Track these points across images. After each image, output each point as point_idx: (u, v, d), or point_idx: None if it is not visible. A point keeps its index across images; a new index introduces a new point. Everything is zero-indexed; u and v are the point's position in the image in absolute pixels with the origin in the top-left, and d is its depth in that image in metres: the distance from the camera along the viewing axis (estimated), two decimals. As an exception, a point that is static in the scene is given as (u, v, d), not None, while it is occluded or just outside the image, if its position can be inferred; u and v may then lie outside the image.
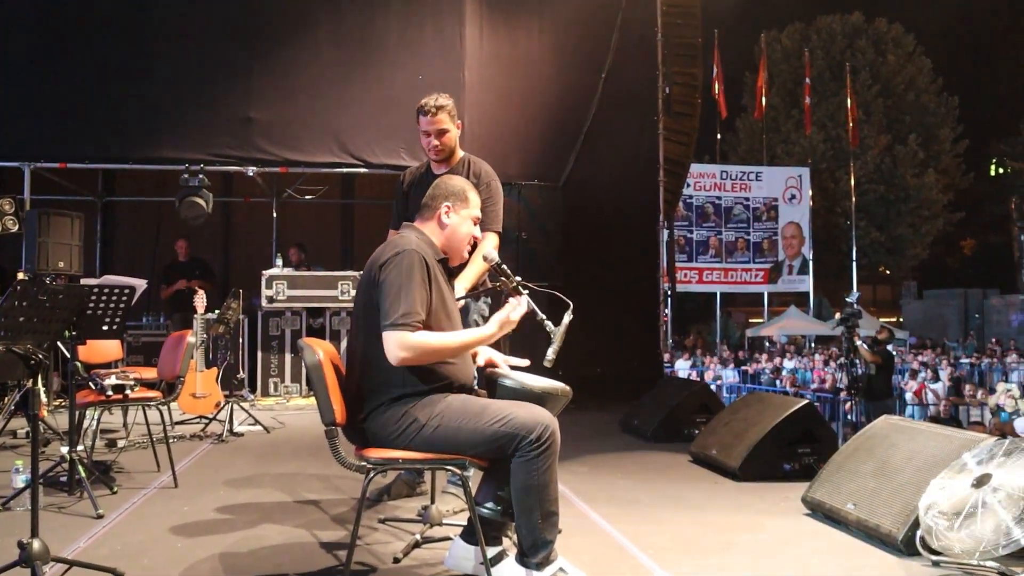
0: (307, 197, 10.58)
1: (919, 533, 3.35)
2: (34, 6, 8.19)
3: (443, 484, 4.32)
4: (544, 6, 9.12)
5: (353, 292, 8.64)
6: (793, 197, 24.72)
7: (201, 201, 8.15)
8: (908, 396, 16.01)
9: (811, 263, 24.94)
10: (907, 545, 3.45)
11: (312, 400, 2.88)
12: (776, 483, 4.83)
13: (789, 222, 24.69)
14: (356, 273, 9.07)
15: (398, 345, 2.76)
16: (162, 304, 10.48)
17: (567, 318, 3.03)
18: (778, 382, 18.54)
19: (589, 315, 6.37)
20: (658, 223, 9.84)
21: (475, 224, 3.19)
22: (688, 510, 4.35)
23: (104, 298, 4.13)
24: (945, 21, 34.00)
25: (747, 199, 24.55)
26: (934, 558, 3.33)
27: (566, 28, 9.10)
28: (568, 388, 3.04)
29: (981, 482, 3.19)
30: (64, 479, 4.40)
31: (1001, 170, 37.06)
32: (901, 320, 33.35)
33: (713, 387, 15.56)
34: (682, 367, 20.60)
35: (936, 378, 16.53)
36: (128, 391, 4.59)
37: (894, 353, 15.54)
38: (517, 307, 2.98)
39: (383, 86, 8.39)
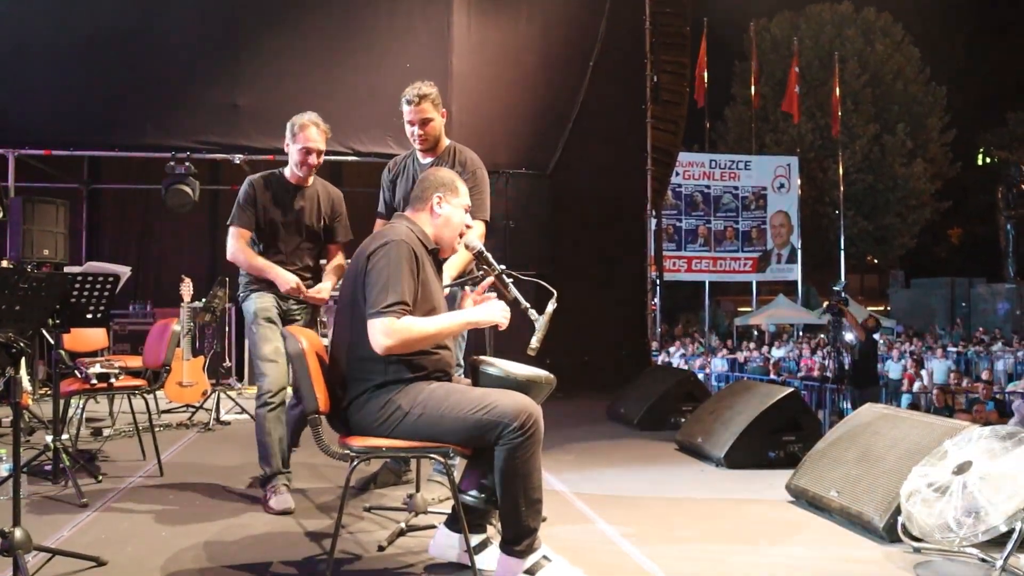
0: (294, 185, 10.52)
1: (900, 520, 3.37)
2: (17, -7, 8.11)
3: (429, 472, 4.33)
4: (532, -6, 9.09)
5: (340, 281, 8.62)
6: (782, 186, 24.77)
7: (187, 189, 8.10)
8: (897, 377, 16.21)
9: (799, 252, 25.01)
10: (889, 531, 3.48)
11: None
12: (761, 471, 4.87)
13: (778, 211, 24.73)
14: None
15: (383, 332, 2.76)
16: (148, 291, 10.44)
17: (551, 307, 3.03)
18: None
19: (576, 303, 6.37)
20: (646, 211, 9.84)
21: (466, 213, 3.19)
22: (672, 498, 4.37)
23: (88, 286, 4.11)
24: (933, 10, 34.01)
25: (736, 188, 24.57)
26: (915, 544, 3.37)
27: (554, 16, 9.07)
28: (552, 376, 3.05)
29: (962, 469, 3.21)
30: (48, 468, 4.38)
31: (988, 159, 37.26)
32: (889, 309, 33.51)
33: (701, 375, 15.63)
34: (674, 356, 20.69)
35: (920, 366, 16.65)
36: (113, 379, 4.57)
37: (880, 341, 15.66)
38: (502, 315, 2.98)
39: (370, 73, 8.33)
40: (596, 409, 7.36)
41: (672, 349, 21.22)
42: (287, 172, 4.42)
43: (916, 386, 15.61)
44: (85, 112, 8.09)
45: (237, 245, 4.20)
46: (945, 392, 13.53)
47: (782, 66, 31.23)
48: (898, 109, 31.74)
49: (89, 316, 4.17)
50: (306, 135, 4.41)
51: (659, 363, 14.93)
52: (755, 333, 26.05)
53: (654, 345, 12.87)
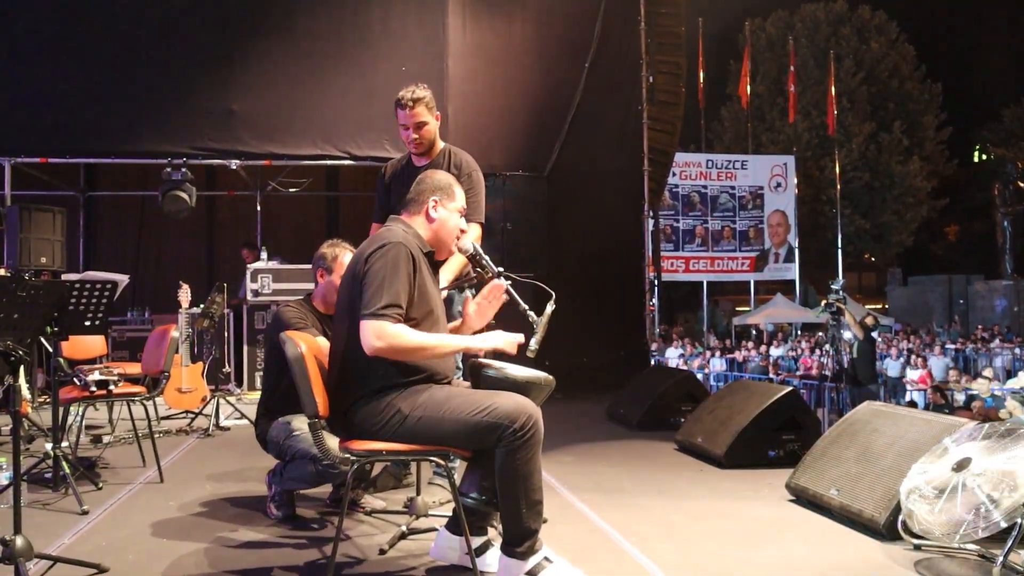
0: (291, 190, 10.53)
1: (901, 517, 3.38)
2: (11, 1, 8.11)
3: (429, 475, 4.33)
4: (527, -5, 9.09)
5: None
6: (779, 185, 24.78)
7: (184, 195, 8.11)
8: (896, 375, 16.22)
9: (797, 251, 25.03)
10: (889, 529, 3.48)
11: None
12: (761, 470, 4.87)
13: (775, 210, 24.74)
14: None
15: (375, 334, 2.75)
16: (146, 298, 10.45)
17: (549, 308, 3.03)
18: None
19: (575, 305, 6.38)
20: (643, 212, 9.85)
21: (461, 216, 3.19)
22: (673, 497, 4.37)
23: (86, 293, 4.12)
24: (927, 8, 34.07)
25: (733, 188, 24.58)
26: (916, 542, 3.37)
27: (549, 17, 9.08)
28: (551, 378, 3.05)
29: (961, 466, 3.22)
30: (49, 475, 4.38)
31: (984, 156, 37.24)
32: (887, 307, 33.52)
33: (700, 375, 15.64)
34: (671, 355, 20.71)
35: (921, 364, 16.67)
36: (112, 386, 4.57)
37: (878, 339, 15.67)
38: (510, 341, 2.96)
39: (366, 77, 8.35)
40: (596, 410, 7.36)
41: (670, 351, 21.23)
42: (316, 297, 4.18)
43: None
44: (81, 119, 8.10)
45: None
46: (943, 389, 13.56)
47: (777, 65, 31.27)
48: (894, 107, 31.75)
49: (87, 323, 4.17)
50: (342, 265, 4.01)
51: (657, 363, 14.91)
52: (753, 332, 26.05)
53: (653, 346, 12.87)
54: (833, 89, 27.14)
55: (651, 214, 10.89)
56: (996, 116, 35.30)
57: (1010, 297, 29.14)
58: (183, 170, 8.08)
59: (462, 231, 3.19)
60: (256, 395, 8.50)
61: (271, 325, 4.12)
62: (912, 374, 16.33)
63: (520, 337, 2.97)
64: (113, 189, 11.28)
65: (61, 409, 4.56)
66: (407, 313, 2.84)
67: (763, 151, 28.64)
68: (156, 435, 5.32)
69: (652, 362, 10.90)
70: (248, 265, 9.01)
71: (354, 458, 2.88)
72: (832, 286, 10.22)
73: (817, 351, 19.10)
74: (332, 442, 2.95)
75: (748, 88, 27.11)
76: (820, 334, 20.52)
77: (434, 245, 3.11)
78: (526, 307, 3.05)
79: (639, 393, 6.92)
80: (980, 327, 26.18)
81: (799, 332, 25.40)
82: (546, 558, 2.87)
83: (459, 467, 3.46)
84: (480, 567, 2.94)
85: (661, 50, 10.56)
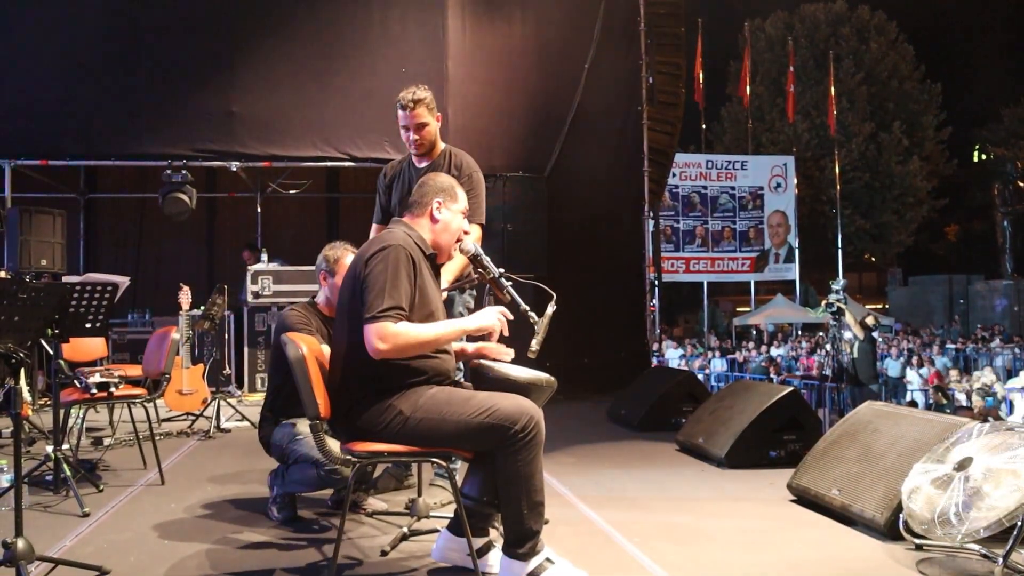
0: (291, 192, 10.53)
1: (902, 517, 3.38)
2: (12, 2, 8.11)
3: (431, 476, 4.33)
4: (526, -4, 9.09)
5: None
6: (779, 186, 24.79)
7: (184, 197, 8.11)
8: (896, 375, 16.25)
9: (797, 251, 25.04)
10: (890, 529, 3.49)
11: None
12: (762, 470, 4.87)
13: (775, 211, 24.76)
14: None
15: (378, 336, 2.76)
16: (147, 300, 10.45)
17: (550, 309, 3.04)
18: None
19: (575, 306, 6.35)
20: (643, 213, 9.84)
21: (464, 218, 3.19)
22: (674, 498, 4.37)
23: (87, 296, 4.12)
24: (927, 8, 34.08)
25: (733, 188, 24.60)
26: (917, 541, 3.37)
27: (549, 18, 9.06)
28: (552, 379, 3.05)
29: (963, 465, 3.22)
30: (50, 478, 4.38)
31: (984, 156, 37.24)
32: (887, 307, 33.53)
33: (701, 376, 15.63)
34: (672, 356, 20.72)
35: (921, 364, 16.68)
36: (112, 389, 4.57)
37: (879, 339, 15.67)
38: (496, 319, 2.97)
39: (366, 79, 8.34)
40: (597, 411, 7.36)
41: (671, 351, 21.25)
42: (320, 300, 4.22)
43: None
44: (81, 122, 8.09)
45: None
46: (944, 388, 13.56)
47: (777, 65, 31.29)
48: (894, 107, 31.78)
49: (88, 326, 4.17)
50: (345, 266, 3.97)
51: (658, 364, 14.90)
52: (754, 333, 26.06)
53: (654, 346, 12.88)
54: (833, 89, 27.19)
55: (651, 215, 10.90)
56: (996, 116, 35.30)
57: (1010, 297, 29.15)
58: (183, 172, 8.08)
59: (464, 232, 3.19)
60: (256, 397, 8.51)
61: (276, 328, 4.13)
62: (916, 374, 16.34)
63: (506, 311, 2.99)
64: (113, 191, 11.27)
65: (62, 411, 4.56)
66: (408, 316, 2.84)
67: (763, 151, 28.68)
68: (157, 437, 5.32)
69: (653, 362, 10.90)
70: (249, 267, 9.01)
71: (356, 459, 2.88)
72: (833, 286, 10.21)
73: (817, 351, 19.10)
74: (333, 445, 2.95)
75: (748, 88, 27.13)
76: (820, 334, 20.53)
77: (437, 247, 3.11)
78: (527, 308, 3.05)
79: (640, 394, 6.92)
80: (980, 327, 26.19)
81: (799, 332, 25.40)
82: (548, 559, 2.87)
83: (460, 468, 3.46)
84: (482, 568, 2.94)
85: (661, 50, 10.56)
